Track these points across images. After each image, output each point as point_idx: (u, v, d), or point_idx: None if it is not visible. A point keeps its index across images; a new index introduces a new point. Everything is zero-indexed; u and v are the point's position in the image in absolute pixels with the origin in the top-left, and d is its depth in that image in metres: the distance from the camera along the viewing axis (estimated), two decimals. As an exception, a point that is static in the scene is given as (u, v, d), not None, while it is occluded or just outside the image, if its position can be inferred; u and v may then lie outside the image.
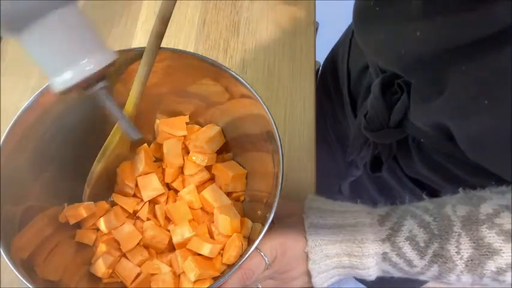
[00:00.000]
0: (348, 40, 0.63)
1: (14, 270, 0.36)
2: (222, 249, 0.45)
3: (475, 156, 0.39)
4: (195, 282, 0.44)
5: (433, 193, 0.44)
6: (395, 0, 0.40)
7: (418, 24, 0.37)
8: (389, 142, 0.53)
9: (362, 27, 0.47)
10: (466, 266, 0.36)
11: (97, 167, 0.46)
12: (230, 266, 0.44)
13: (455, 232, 0.37)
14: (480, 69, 0.33)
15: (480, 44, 0.32)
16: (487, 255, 0.35)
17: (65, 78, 0.31)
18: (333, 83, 0.69)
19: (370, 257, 0.40)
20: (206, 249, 0.44)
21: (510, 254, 0.35)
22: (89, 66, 0.31)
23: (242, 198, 0.51)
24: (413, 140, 0.51)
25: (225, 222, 0.45)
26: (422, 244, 0.38)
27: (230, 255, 0.44)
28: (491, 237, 0.35)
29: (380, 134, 0.51)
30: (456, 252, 0.36)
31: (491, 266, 0.35)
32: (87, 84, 0.32)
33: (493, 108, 0.33)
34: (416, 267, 0.39)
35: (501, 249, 0.35)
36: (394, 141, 0.52)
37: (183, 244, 0.46)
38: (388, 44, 0.42)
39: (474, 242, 0.36)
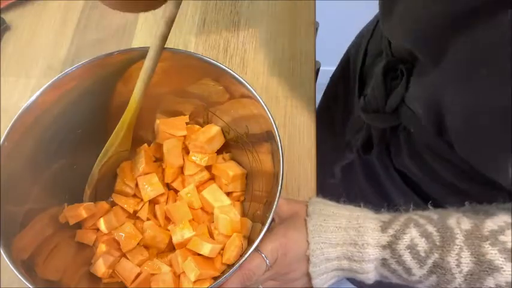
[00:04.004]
0: (370, 30, 0.62)
1: (14, 271, 0.36)
2: (222, 249, 0.45)
3: (464, 148, 0.38)
4: (195, 282, 0.44)
5: (437, 205, 0.44)
6: None
7: None
8: (382, 127, 0.53)
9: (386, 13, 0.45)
10: (465, 279, 0.36)
11: (98, 169, 0.46)
12: (230, 266, 0.44)
13: (457, 245, 0.37)
14: (479, 38, 0.32)
15: (476, 12, 0.31)
16: (487, 271, 0.35)
17: None
18: (353, 73, 0.68)
19: (370, 262, 0.40)
20: (206, 249, 0.44)
21: (510, 272, 0.35)
22: None
23: (242, 198, 0.51)
24: (404, 129, 0.51)
25: (225, 222, 0.45)
26: (422, 254, 0.38)
27: (230, 255, 0.44)
28: (493, 254, 0.35)
29: (374, 117, 0.51)
30: (456, 265, 0.36)
31: (490, 282, 0.35)
32: None
33: (492, 78, 0.32)
34: (415, 275, 0.39)
35: (502, 267, 0.35)
36: (387, 126, 0.52)
37: (183, 244, 0.46)
38: (408, 16, 0.40)
39: (475, 257, 0.36)
